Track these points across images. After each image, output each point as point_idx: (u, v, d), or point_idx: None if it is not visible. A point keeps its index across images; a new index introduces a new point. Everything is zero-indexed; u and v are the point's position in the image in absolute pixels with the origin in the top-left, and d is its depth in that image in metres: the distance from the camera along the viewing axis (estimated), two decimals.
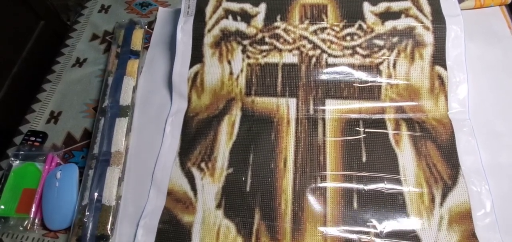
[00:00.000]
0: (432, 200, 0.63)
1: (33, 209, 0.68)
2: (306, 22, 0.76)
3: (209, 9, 0.80)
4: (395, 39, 0.73)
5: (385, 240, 0.60)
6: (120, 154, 0.71)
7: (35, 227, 0.68)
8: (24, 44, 1.17)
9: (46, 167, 0.72)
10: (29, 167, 0.73)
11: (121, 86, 0.79)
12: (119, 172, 0.69)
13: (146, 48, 0.90)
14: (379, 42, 0.73)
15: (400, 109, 0.72)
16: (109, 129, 0.74)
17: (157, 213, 0.67)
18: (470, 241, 0.59)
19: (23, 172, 0.73)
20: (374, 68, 0.73)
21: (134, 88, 0.80)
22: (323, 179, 0.66)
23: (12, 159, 0.74)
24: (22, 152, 0.75)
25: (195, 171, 0.70)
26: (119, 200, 0.69)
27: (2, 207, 0.69)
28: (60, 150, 0.76)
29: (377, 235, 0.60)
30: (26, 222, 0.68)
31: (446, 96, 0.71)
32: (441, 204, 0.62)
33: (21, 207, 0.69)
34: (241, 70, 0.76)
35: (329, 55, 0.74)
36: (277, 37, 0.76)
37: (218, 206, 0.66)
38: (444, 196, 0.63)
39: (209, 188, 0.68)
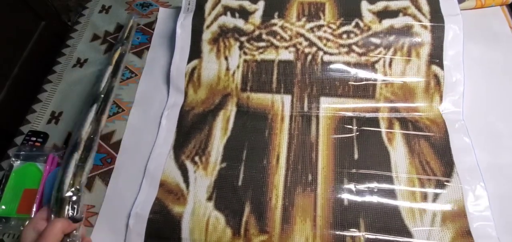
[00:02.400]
0: (425, 197, 0.63)
1: (34, 210, 0.68)
2: (303, 19, 0.77)
3: (208, 5, 0.81)
4: (392, 38, 0.73)
5: (375, 236, 0.60)
6: (81, 139, 0.71)
7: None
8: (25, 45, 1.18)
9: (47, 167, 0.73)
10: (30, 167, 0.74)
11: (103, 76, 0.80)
12: (76, 159, 0.69)
13: (147, 48, 0.91)
14: (376, 40, 0.73)
15: (394, 108, 0.72)
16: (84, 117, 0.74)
17: (148, 203, 0.67)
18: (464, 238, 0.59)
19: (24, 172, 0.73)
20: (370, 67, 0.73)
21: (112, 75, 0.82)
22: (315, 175, 0.66)
23: (13, 159, 0.74)
24: (23, 152, 0.75)
25: (188, 164, 0.70)
26: (79, 187, 0.67)
27: (3, 207, 0.70)
28: (61, 150, 0.77)
29: (368, 231, 0.61)
30: (27, 222, 0.68)
31: (441, 96, 0.71)
32: (434, 201, 0.62)
33: (22, 207, 0.69)
34: (238, 66, 0.77)
35: (325, 53, 0.74)
36: (274, 34, 0.77)
37: (209, 199, 0.66)
38: (437, 193, 0.63)
39: (202, 181, 0.68)
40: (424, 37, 0.72)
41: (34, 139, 0.79)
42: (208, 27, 0.80)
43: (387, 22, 0.74)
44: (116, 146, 0.77)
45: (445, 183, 0.63)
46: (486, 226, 0.60)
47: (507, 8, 0.85)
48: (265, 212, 0.64)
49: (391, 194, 0.63)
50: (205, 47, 0.79)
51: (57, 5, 1.32)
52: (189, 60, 0.79)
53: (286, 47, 0.75)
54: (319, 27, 0.75)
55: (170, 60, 0.82)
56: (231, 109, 0.75)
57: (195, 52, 0.79)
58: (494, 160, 0.67)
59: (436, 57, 0.72)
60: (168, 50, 0.88)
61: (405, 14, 0.74)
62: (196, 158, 0.71)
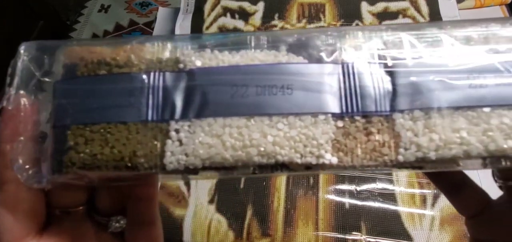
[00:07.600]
0: (424, 200, 0.63)
1: None
2: (304, 21, 0.77)
3: (207, 6, 0.81)
4: None
5: (376, 239, 0.60)
6: None
7: None
8: None
9: None
10: None
11: None
12: None
13: None
14: None
15: None
16: None
17: None
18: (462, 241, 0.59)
19: None
20: None
21: None
22: (316, 178, 0.67)
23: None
24: None
25: None
26: None
27: None
28: None
29: (369, 235, 0.61)
30: None
31: None
32: (433, 204, 0.62)
33: None
34: None
35: None
36: None
37: (211, 201, 0.66)
38: (436, 197, 0.63)
39: (203, 184, 0.68)
40: None
41: None
42: (207, 28, 0.79)
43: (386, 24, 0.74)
44: None
45: None
46: None
47: (507, 8, 0.85)
48: (267, 215, 0.64)
49: (391, 197, 0.64)
50: None
51: (56, 4, 1.31)
52: None
53: None
54: None
55: None
56: None
57: None
58: None
59: None
60: None
61: (404, 16, 0.74)
62: None
